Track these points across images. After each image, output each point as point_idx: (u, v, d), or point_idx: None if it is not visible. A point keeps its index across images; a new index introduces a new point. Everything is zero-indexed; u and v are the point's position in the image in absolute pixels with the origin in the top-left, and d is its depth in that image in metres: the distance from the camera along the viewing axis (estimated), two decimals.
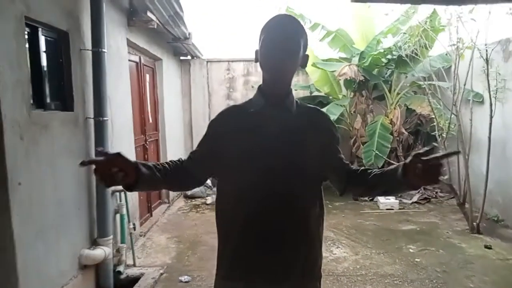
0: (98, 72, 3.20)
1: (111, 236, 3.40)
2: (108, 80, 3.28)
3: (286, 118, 1.35)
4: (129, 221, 3.88)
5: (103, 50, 3.19)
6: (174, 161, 1.40)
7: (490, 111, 4.28)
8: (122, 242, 3.73)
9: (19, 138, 2.33)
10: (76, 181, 3.07)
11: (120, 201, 3.80)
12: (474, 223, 4.53)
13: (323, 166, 1.38)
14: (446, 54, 5.89)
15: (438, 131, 4.74)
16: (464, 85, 4.48)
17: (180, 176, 1.39)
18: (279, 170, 1.30)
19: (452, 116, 4.58)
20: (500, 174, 4.71)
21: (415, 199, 6.07)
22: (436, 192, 6.37)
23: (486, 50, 4.09)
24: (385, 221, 5.10)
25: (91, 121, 3.24)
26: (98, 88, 3.21)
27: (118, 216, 3.75)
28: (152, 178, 1.26)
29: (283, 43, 1.26)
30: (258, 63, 1.34)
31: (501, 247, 4.14)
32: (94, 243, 3.27)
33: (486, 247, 4.10)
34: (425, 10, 5.66)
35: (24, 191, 2.36)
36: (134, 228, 3.95)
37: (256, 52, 1.36)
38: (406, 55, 5.12)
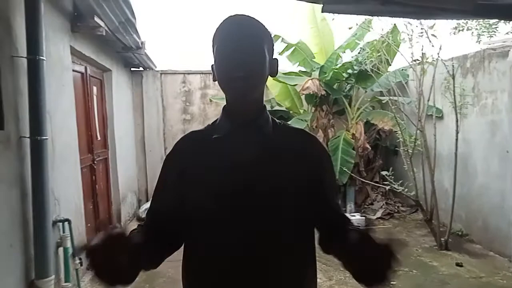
0: (35, 83, 2.72)
1: (53, 276, 2.88)
2: (47, 93, 2.81)
3: (259, 144, 1.05)
4: (74, 256, 3.35)
5: (41, 57, 2.73)
6: (136, 232, 1.05)
7: (456, 126, 4.28)
8: (67, 280, 3.21)
9: None
10: (8, 212, 2.55)
11: (64, 232, 3.28)
12: (442, 239, 4.48)
13: (308, 209, 1.06)
14: (402, 69, 5.96)
15: (403, 146, 4.68)
16: (428, 100, 4.47)
17: (159, 242, 1.05)
18: (250, 213, 1.00)
19: (417, 131, 4.54)
20: (462, 189, 4.73)
21: (379, 214, 6.01)
22: (398, 207, 6.36)
23: (453, 66, 4.09)
24: None
25: (27, 141, 2.74)
26: (35, 102, 2.72)
27: (61, 250, 3.22)
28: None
29: (240, 52, 0.97)
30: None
31: (471, 264, 4.09)
32: (31, 286, 2.74)
33: (457, 265, 4.03)
34: (381, 25, 5.71)
35: None
36: (81, 264, 3.42)
37: (212, 67, 1.06)
38: (371, 70, 5.06)
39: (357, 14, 3.61)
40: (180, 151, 1.12)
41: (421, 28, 4.15)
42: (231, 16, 1.02)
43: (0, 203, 2.44)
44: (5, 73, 2.53)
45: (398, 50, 4.92)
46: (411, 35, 4.25)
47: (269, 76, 1.07)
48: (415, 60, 4.43)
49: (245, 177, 1.01)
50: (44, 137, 2.76)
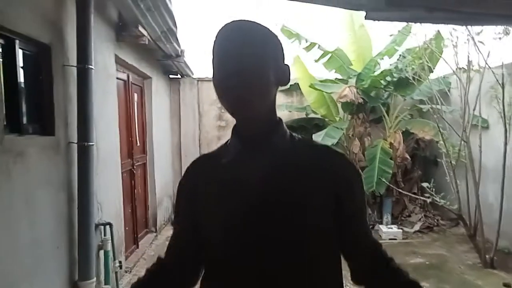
0: (84, 91, 2.83)
1: (94, 278, 2.96)
2: (94, 100, 2.91)
3: (273, 166, 0.91)
4: (114, 258, 3.44)
5: (90, 66, 2.83)
6: (154, 270, 1.04)
7: (504, 137, 4.07)
8: (107, 283, 3.29)
9: None
10: (55, 215, 2.65)
11: (105, 235, 3.37)
12: (487, 256, 4.26)
13: (334, 239, 0.95)
14: (444, 77, 5.76)
15: (445, 158, 4.50)
16: (474, 110, 4.28)
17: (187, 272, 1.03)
18: (264, 245, 0.89)
19: (462, 142, 4.36)
20: (509, 203, 4.48)
21: (417, 227, 5.80)
22: (437, 220, 6.11)
23: (503, 74, 3.90)
24: (390, 253, 4.77)
25: (74, 146, 2.84)
26: (84, 109, 2.83)
27: (102, 252, 3.31)
28: None
29: (233, 60, 0.86)
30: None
31: None
32: (74, 287, 2.83)
33: (505, 285, 3.81)
34: (423, 31, 5.53)
35: None
36: (121, 267, 3.50)
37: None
38: (413, 77, 4.92)
39: (401, 21, 3.52)
40: (190, 179, 1.03)
41: (467, 35, 3.98)
42: (229, 22, 0.91)
43: (48, 206, 2.53)
44: (57, 81, 2.64)
45: (441, 57, 4.75)
46: (456, 42, 4.09)
47: (279, 85, 0.95)
48: (460, 68, 4.26)
49: (258, 206, 0.89)
50: (91, 143, 2.86)
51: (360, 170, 0.99)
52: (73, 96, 2.83)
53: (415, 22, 3.93)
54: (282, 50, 0.96)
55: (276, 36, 0.95)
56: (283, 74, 0.94)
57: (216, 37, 0.91)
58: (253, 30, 0.91)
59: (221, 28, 0.91)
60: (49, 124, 2.60)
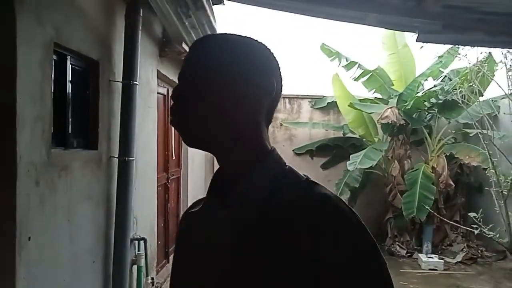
0: (128, 106, 2.85)
1: None
2: (136, 115, 2.93)
3: (236, 227, 0.71)
4: (147, 274, 3.41)
5: (135, 82, 2.86)
6: None
7: None
8: None
9: (34, 184, 1.95)
10: (94, 230, 2.66)
11: (139, 250, 3.35)
12: None
13: None
14: (493, 101, 5.49)
15: (495, 186, 4.23)
16: None
17: None
18: None
19: None
20: None
21: (459, 258, 5.46)
22: (481, 251, 5.74)
23: None
24: (430, 286, 4.52)
25: (115, 161, 2.86)
26: (126, 124, 2.85)
27: (135, 267, 3.28)
28: None
29: (178, 85, 0.73)
30: None
31: None
32: None
33: None
34: (472, 53, 5.32)
35: (34, 248, 1.94)
36: (153, 283, 3.47)
37: None
38: (462, 100, 4.70)
39: (455, 44, 3.37)
40: (180, 227, 0.88)
41: None
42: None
43: (88, 220, 2.54)
44: (103, 96, 2.67)
45: (494, 80, 4.52)
46: (511, 65, 3.87)
47: (256, 108, 0.74)
48: None
49: (214, 278, 0.72)
50: (131, 158, 2.86)
51: (364, 229, 0.68)
52: (116, 111, 2.86)
53: (471, 46, 3.75)
54: (253, 62, 0.73)
55: (251, 48, 0.75)
56: (255, 90, 0.71)
57: None
58: (203, 47, 0.74)
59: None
60: (93, 138, 2.63)
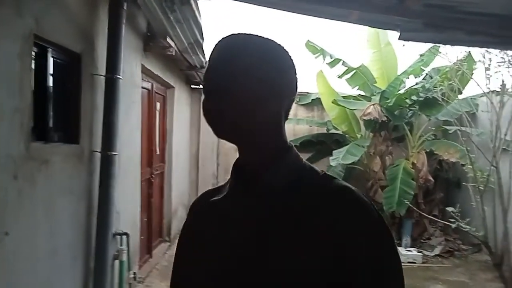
0: (111, 100, 2.82)
1: None
2: (119, 109, 2.91)
3: (260, 216, 0.75)
4: (129, 269, 3.39)
5: (118, 76, 2.83)
6: None
7: None
8: None
9: (12, 178, 1.91)
10: (74, 225, 2.63)
11: (121, 245, 3.32)
12: None
13: None
14: (472, 99, 5.63)
15: (473, 182, 4.35)
16: (505, 134, 4.14)
17: None
18: None
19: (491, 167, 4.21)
20: None
21: (437, 251, 5.61)
22: (459, 244, 5.90)
23: None
24: (409, 278, 4.61)
25: (97, 155, 2.83)
26: (109, 118, 2.82)
27: (116, 262, 3.26)
28: None
29: (209, 83, 0.76)
30: None
31: None
32: None
33: None
34: (453, 52, 5.42)
35: (12, 243, 1.91)
36: (135, 278, 3.46)
37: None
38: (442, 98, 4.81)
39: (436, 43, 3.44)
40: (188, 219, 0.90)
41: (501, 57, 3.87)
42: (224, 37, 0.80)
43: (69, 216, 2.51)
44: (85, 90, 2.64)
45: (473, 79, 4.64)
46: (489, 64, 3.98)
47: (279, 104, 0.78)
48: (492, 91, 4.14)
49: (238, 265, 0.74)
50: (114, 153, 2.84)
51: (384, 223, 0.75)
52: (99, 105, 2.83)
53: (451, 45, 3.84)
54: (279, 62, 0.79)
55: (278, 48, 0.80)
56: (279, 88, 0.77)
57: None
58: (234, 45, 0.78)
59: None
60: (74, 132, 2.60)
